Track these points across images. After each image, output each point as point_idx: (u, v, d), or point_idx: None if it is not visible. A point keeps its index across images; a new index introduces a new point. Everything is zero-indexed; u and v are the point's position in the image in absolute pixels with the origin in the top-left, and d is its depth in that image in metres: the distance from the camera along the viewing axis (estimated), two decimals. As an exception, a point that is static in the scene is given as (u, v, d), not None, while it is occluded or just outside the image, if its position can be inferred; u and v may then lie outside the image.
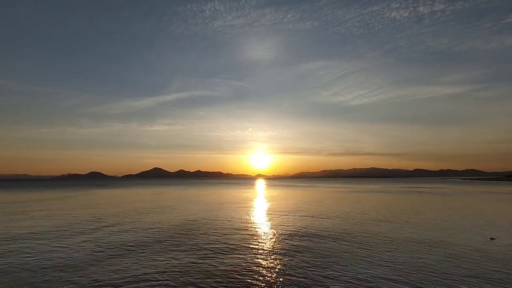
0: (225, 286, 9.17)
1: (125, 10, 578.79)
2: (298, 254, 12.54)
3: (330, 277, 9.83)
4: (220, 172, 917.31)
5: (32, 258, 12.16)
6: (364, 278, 9.67)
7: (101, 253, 12.84)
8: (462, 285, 9.07)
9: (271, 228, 18.76)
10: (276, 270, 10.59)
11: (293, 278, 9.76)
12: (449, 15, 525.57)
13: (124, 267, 10.96)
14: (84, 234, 17.11)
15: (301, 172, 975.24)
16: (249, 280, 9.61)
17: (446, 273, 10.09)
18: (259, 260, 11.83)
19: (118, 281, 9.51)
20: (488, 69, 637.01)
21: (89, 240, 15.42)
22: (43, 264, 11.32)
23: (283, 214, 25.60)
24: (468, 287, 8.94)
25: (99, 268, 10.86)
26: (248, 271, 10.46)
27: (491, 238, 15.49)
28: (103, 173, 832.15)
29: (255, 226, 19.58)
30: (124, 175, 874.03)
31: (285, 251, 13.05)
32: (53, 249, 13.68)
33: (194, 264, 11.28)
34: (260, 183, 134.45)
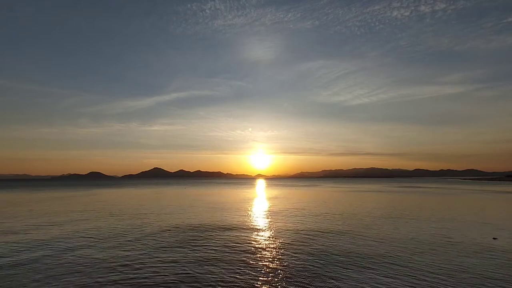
0: (229, 285, 9.18)
1: (125, 9, 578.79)
2: (302, 251, 12.55)
3: (333, 277, 9.84)
4: (220, 172, 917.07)
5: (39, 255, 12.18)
6: (366, 275, 9.68)
7: (105, 251, 12.87)
8: (466, 285, 9.07)
9: (274, 227, 18.71)
10: (282, 270, 10.58)
11: (299, 275, 9.79)
12: (450, 15, 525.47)
13: (127, 265, 10.97)
14: (85, 232, 17.12)
15: (301, 172, 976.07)
16: (253, 281, 9.61)
17: (449, 273, 10.07)
18: (263, 258, 11.85)
19: (121, 278, 9.54)
20: (488, 69, 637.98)
21: (92, 237, 15.47)
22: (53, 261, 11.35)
23: (285, 213, 25.56)
24: (471, 287, 8.96)
25: (108, 265, 10.88)
26: (253, 271, 10.47)
27: (494, 238, 15.48)
28: (103, 173, 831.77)
29: (258, 225, 19.57)
30: (124, 175, 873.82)
31: (289, 249, 13.04)
32: (53, 244, 13.71)
33: (197, 264, 11.30)
34: (260, 183, 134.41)
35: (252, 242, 14.89)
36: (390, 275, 9.96)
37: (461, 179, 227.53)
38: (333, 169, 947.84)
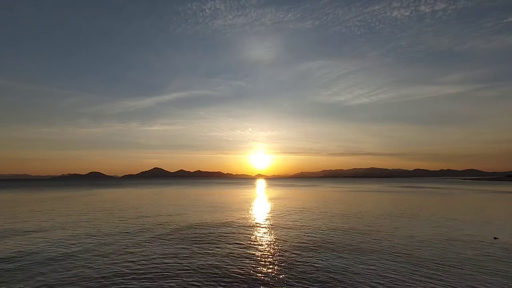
0: (232, 285, 9.24)
1: (125, 9, 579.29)
2: (302, 249, 12.61)
3: (334, 272, 9.90)
4: (220, 172, 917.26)
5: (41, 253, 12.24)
6: (366, 272, 9.75)
7: (107, 248, 12.93)
8: (466, 283, 9.11)
9: (274, 226, 18.76)
10: (283, 265, 10.65)
11: (299, 271, 9.84)
12: (450, 14, 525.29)
13: (130, 260, 11.04)
14: (86, 232, 17.17)
15: (301, 172, 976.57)
16: (254, 275, 9.67)
17: (449, 271, 10.13)
18: (264, 254, 11.92)
19: (125, 273, 9.59)
20: (488, 69, 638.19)
21: (93, 238, 15.52)
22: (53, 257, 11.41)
23: (285, 212, 25.61)
24: (472, 285, 8.99)
25: (111, 262, 10.94)
26: (256, 270, 10.53)
27: (495, 238, 15.52)
28: (103, 173, 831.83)
29: (258, 224, 19.61)
30: (124, 175, 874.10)
31: (289, 246, 13.11)
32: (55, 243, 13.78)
33: (197, 258, 11.36)
34: (261, 183, 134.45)
35: (252, 240, 14.94)
36: (390, 272, 10.02)
37: (461, 179, 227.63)
38: (333, 169, 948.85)
